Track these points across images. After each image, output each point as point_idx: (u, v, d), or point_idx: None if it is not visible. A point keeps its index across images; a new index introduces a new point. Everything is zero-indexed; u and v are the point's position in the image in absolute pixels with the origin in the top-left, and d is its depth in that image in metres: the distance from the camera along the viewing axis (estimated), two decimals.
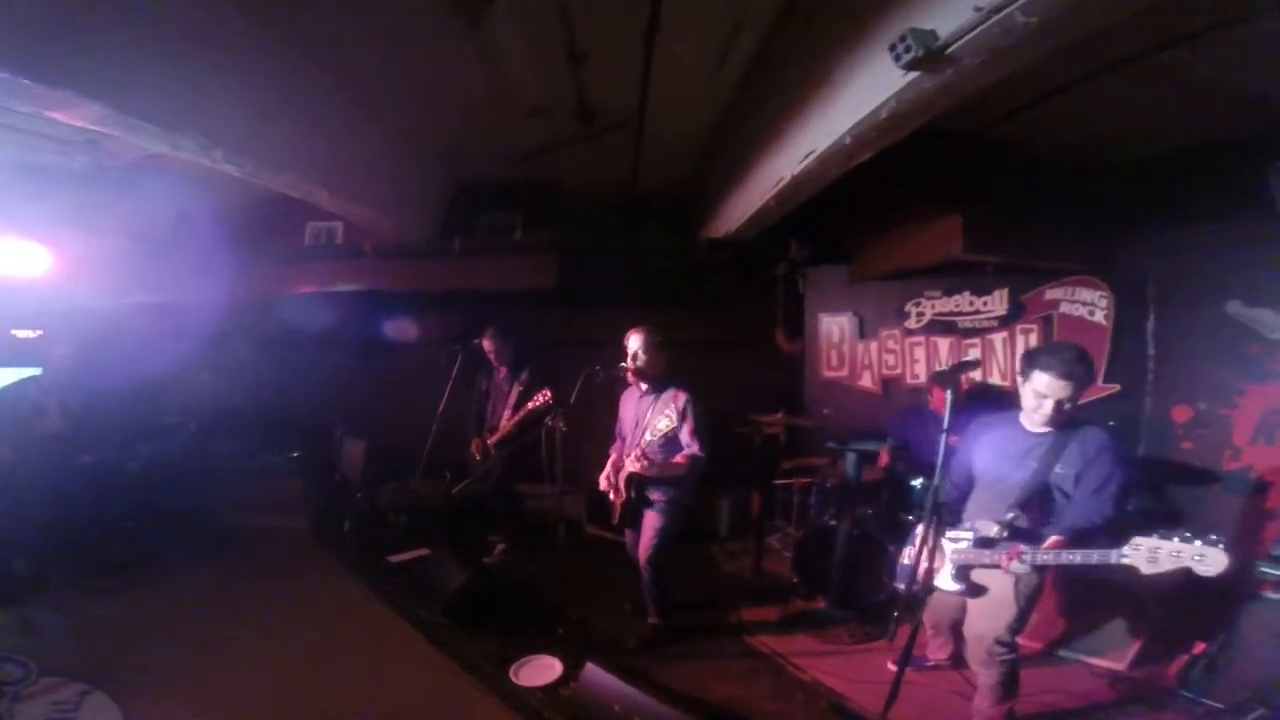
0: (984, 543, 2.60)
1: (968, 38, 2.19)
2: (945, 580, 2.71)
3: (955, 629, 3.19)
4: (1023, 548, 2.43)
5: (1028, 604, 2.60)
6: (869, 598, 3.95)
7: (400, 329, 6.54)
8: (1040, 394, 2.51)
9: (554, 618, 3.85)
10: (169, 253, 5.97)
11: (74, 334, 5.48)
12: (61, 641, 3.58)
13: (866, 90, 2.74)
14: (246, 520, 5.59)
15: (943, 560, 2.71)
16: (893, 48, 2.34)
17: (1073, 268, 4.73)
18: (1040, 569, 2.51)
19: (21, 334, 5.93)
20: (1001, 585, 2.60)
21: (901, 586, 2.93)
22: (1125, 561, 2.21)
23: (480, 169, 5.72)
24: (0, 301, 5.47)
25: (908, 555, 2.99)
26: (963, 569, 2.66)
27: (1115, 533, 2.37)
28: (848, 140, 3.04)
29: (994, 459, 2.70)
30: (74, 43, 2.38)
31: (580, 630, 3.76)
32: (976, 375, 5.05)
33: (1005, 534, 2.56)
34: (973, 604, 2.73)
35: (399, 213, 5.27)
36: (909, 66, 2.35)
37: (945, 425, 2.54)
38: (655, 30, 3.22)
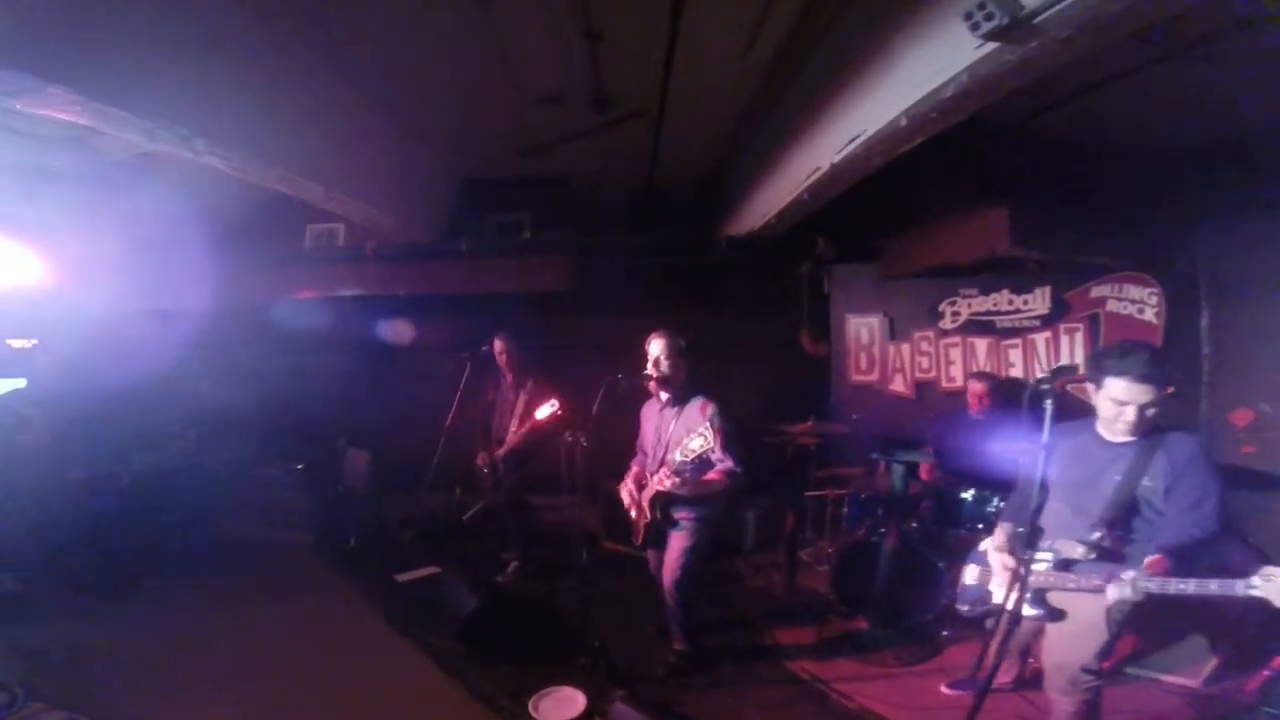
0: (1066, 564, 2.37)
1: (1059, 7, 1.94)
2: (1023, 604, 2.43)
3: (1022, 652, 3.02)
4: (1130, 572, 2.15)
5: (1120, 629, 2.34)
6: (916, 617, 3.70)
7: (406, 334, 6.31)
8: (1119, 400, 2.28)
9: (574, 643, 3.53)
10: (165, 258, 5.76)
11: (65, 343, 5.29)
12: (50, 665, 3.43)
13: (929, 64, 2.47)
14: (248, 534, 5.39)
15: (1009, 574, 2.47)
16: (969, 16, 2.10)
17: (1120, 263, 4.55)
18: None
19: (17, 343, 5.70)
20: (1090, 610, 2.34)
21: (965, 609, 2.75)
22: (1255, 594, 1.92)
23: (488, 165, 5.48)
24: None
25: (970, 574, 2.78)
26: (1040, 592, 2.43)
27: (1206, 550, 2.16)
28: (903, 122, 2.76)
29: (1071, 473, 2.47)
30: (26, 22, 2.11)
31: (603, 657, 3.43)
32: (1020, 374, 4.81)
33: (1092, 555, 2.33)
34: (1053, 630, 2.48)
35: (401, 210, 5.02)
36: (988, 37, 2.10)
37: (1044, 439, 2.24)
38: (680, 7, 2.95)
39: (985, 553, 2.77)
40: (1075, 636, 2.40)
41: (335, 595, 4.52)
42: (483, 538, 5.06)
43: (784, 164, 3.99)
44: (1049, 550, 2.43)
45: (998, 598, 2.57)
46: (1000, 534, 2.65)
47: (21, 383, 4.75)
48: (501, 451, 4.66)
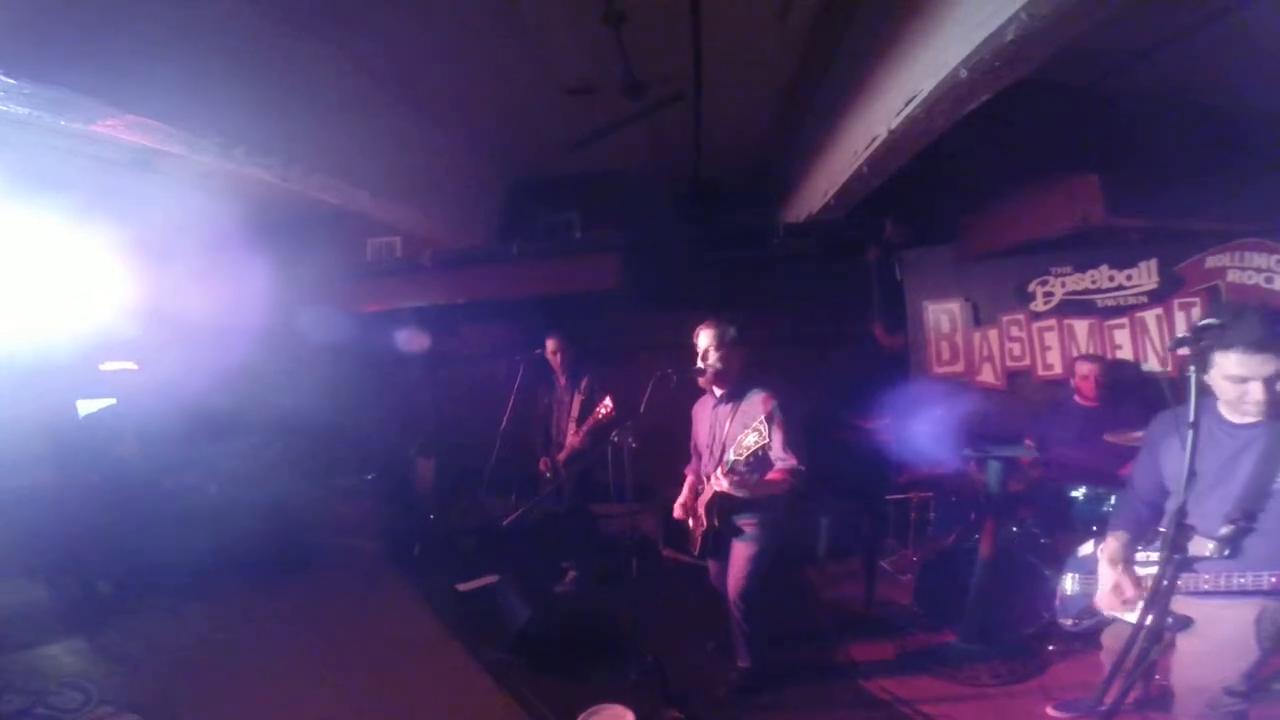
0: (1191, 565, 1.99)
1: None
2: (1135, 614, 2.09)
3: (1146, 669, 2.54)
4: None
5: (1274, 644, 1.94)
6: (1015, 630, 3.32)
7: (464, 341, 6.34)
8: (1238, 377, 1.91)
9: (627, 658, 3.32)
10: (238, 275, 6.02)
11: (156, 363, 5.61)
12: (126, 668, 3.55)
13: (984, 5, 2.15)
14: (321, 542, 5.51)
15: (1133, 589, 2.17)
16: None
17: (1238, 229, 4.02)
18: None
19: (111, 366, 6.09)
20: (1232, 620, 1.96)
21: (1069, 622, 2.49)
22: None
23: (532, 164, 5.40)
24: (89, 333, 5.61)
25: (1071, 583, 2.48)
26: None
27: None
28: (963, 74, 2.41)
29: (1173, 463, 2.14)
30: (47, 33, 2.15)
31: (656, 674, 3.22)
32: (1128, 357, 4.27)
33: (1226, 553, 1.96)
34: (1186, 645, 2.07)
35: (451, 215, 5.00)
36: None
37: (1191, 418, 1.85)
38: None
39: (1087, 558, 2.45)
40: (1216, 653, 2.01)
41: (398, 604, 4.54)
42: (543, 546, 4.94)
43: (839, 136, 3.66)
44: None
45: (1107, 608, 2.25)
46: (1115, 543, 2.27)
47: (112, 401, 5.05)
48: (562, 456, 4.55)
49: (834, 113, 3.65)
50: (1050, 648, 3.26)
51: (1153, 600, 1.89)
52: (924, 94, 2.65)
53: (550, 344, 4.65)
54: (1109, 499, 3.37)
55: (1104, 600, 2.25)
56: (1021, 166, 4.13)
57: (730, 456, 2.83)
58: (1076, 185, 3.76)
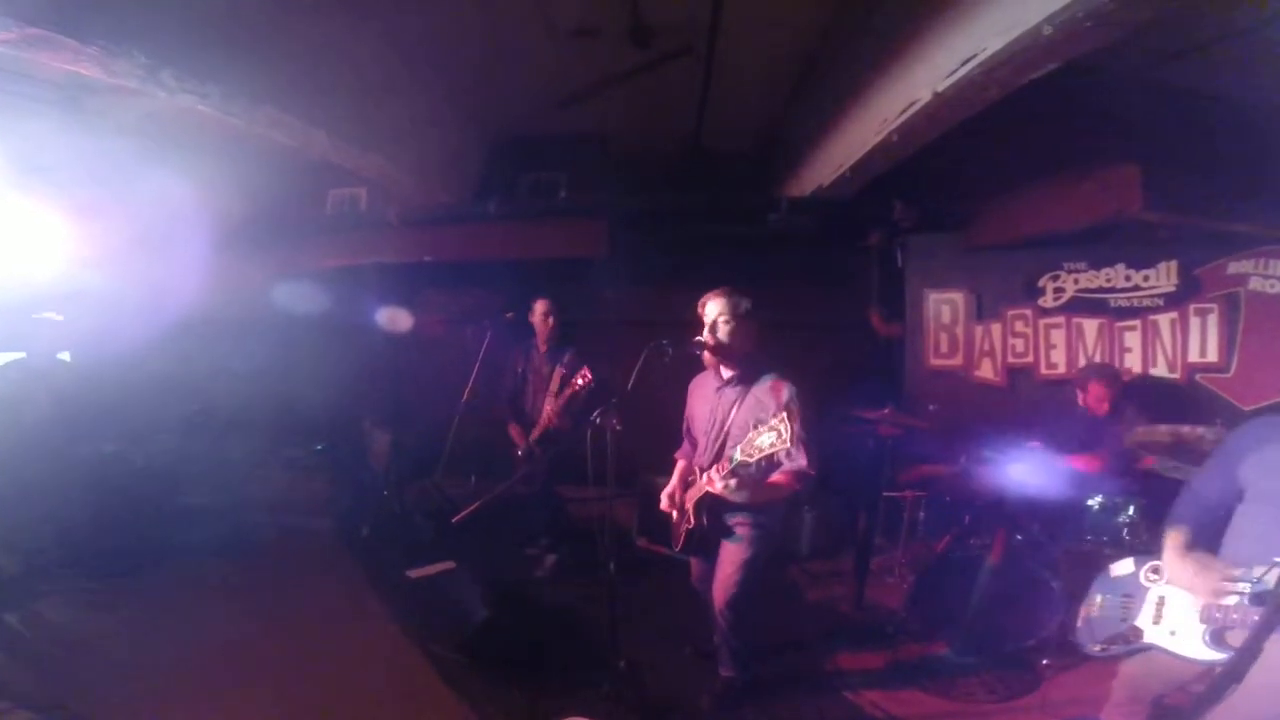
0: (1264, 598, 1.81)
1: None
2: (1190, 644, 1.96)
3: (1158, 703, 2.33)
4: None
5: None
6: (1014, 642, 3.14)
7: (430, 304, 5.90)
8: None
9: (597, 663, 3.03)
10: (183, 234, 5.46)
11: (81, 315, 5.05)
12: (25, 661, 3.20)
13: None
14: (264, 520, 5.04)
15: (1208, 583, 1.96)
16: None
17: (1269, 233, 3.83)
18: None
19: (45, 316, 5.48)
20: None
21: (1096, 648, 2.24)
22: None
23: (522, 119, 4.94)
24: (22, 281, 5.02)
25: (1102, 605, 2.27)
26: (1220, 630, 1.92)
27: None
28: (1046, 32, 2.08)
29: (1261, 478, 1.95)
30: None
31: (630, 681, 2.94)
32: (1137, 360, 4.12)
33: None
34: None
35: (425, 168, 4.53)
36: None
37: None
38: None
39: (1123, 579, 2.23)
40: (1269, 689, 1.80)
41: (348, 588, 4.15)
42: (509, 531, 4.59)
43: (869, 98, 3.31)
44: (1244, 580, 1.88)
45: (1151, 637, 2.04)
46: (1181, 536, 2.07)
47: (21, 355, 4.49)
48: (536, 433, 4.19)
49: (866, 72, 3.29)
50: (1045, 661, 3.09)
51: (1252, 639, 1.67)
52: (987, 54, 2.33)
53: (540, 307, 4.26)
54: (1128, 509, 3.19)
55: (1183, 583, 2.02)
56: (1051, 153, 3.90)
57: (736, 455, 2.46)
58: (1115, 176, 3.55)
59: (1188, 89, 3.41)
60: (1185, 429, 3.08)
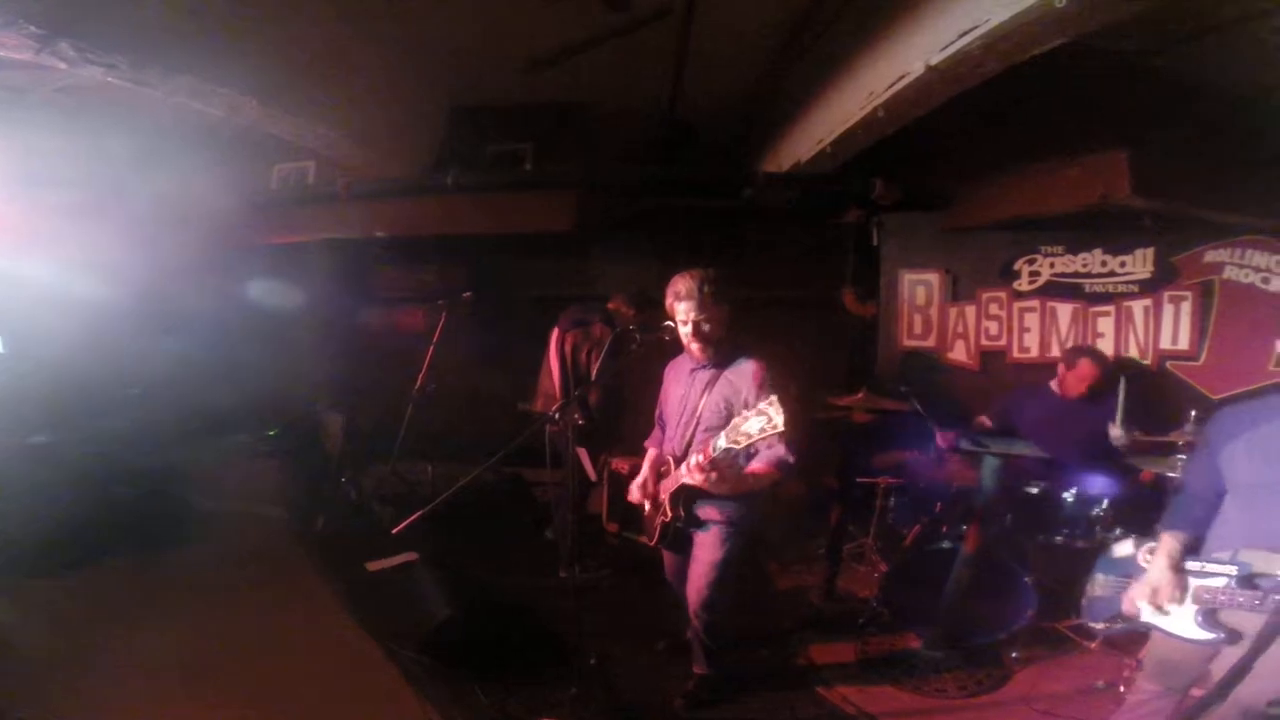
0: (1253, 581, 1.85)
1: None
2: (1184, 624, 2.00)
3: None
4: None
5: None
6: (987, 635, 3.13)
7: (385, 282, 5.62)
8: None
9: (566, 661, 2.95)
10: (118, 206, 5.10)
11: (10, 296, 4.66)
12: None
13: None
14: (212, 507, 4.80)
15: (1178, 594, 2.01)
16: None
17: (1247, 224, 3.90)
18: None
19: None
20: None
21: (1100, 626, 2.46)
22: None
23: (485, 86, 4.66)
24: None
25: (1101, 585, 2.34)
26: (1211, 611, 1.97)
27: None
28: (1060, 4, 1.94)
29: (1256, 462, 1.96)
30: None
31: (600, 680, 2.86)
32: (1109, 345, 4.17)
33: None
34: (1231, 659, 1.90)
35: (379, 137, 4.25)
36: None
37: None
38: None
39: (1123, 559, 2.27)
40: (1268, 668, 1.83)
41: (299, 582, 3.97)
42: (469, 522, 4.43)
43: (856, 70, 3.14)
44: (1230, 563, 1.93)
45: (1134, 603, 2.09)
46: (1174, 543, 2.06)
47: None
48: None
49: (854, 42, 3.12)
50: (1015, 655, 3.10)
51: (1266, 633, 1.71)
52: (989, 25, 2.18)
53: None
54: (1102, 502, 3.17)
55: (1139, 595, 2.06)
56: (1038, 136, 3.82)
57: (721, 443, 2.32)
58: (1103, 161, 3.49)
59: (1176, 75, 3.30)
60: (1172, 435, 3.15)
